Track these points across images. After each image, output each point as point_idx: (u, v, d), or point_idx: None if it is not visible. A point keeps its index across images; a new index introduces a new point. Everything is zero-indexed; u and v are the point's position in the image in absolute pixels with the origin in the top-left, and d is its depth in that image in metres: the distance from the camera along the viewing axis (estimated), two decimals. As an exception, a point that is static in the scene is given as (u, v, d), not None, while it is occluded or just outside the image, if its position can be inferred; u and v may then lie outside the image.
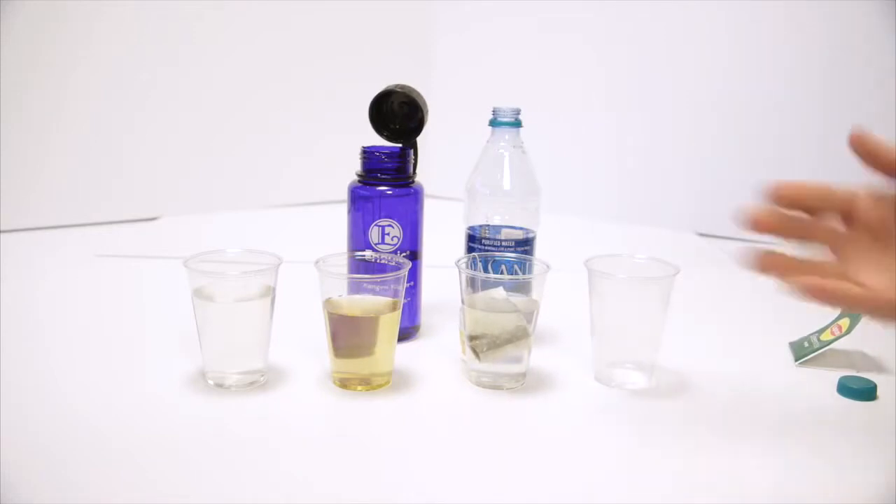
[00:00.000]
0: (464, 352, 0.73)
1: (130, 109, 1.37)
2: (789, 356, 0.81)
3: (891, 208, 0.53)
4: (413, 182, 0.81)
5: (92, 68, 1.32)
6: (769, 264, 0.53)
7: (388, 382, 0.71)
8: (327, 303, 0.70)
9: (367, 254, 0.76)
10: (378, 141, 0.82)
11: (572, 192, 1.45)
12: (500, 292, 0.70)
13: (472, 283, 0.71)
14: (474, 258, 0.77)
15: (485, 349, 0.69)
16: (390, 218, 0.78)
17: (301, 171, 1.55)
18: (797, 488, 0.57)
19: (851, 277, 0.53)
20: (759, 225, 0.52)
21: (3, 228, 1.25)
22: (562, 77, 1.51)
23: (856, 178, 0.53)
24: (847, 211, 0.54)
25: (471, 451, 0.61)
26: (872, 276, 0.52)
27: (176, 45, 1.39)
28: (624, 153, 1.49)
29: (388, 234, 0.78)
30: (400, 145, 0.81)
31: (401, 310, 0.71)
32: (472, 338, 0.70)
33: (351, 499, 0.54)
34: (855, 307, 0.55)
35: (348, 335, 0.71)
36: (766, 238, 0.53)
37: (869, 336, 0.79)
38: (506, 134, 0.82)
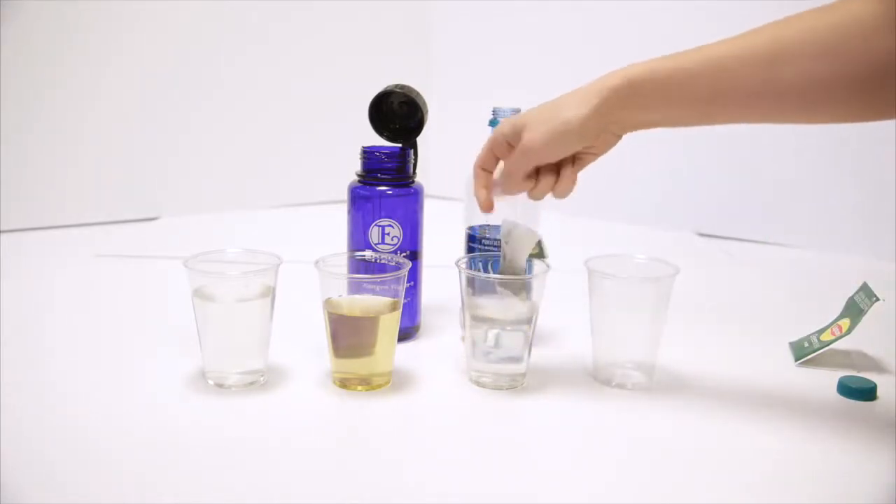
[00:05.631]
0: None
1: (131, 110, 1.37)
2: (789, 356, 0.81)
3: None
4: (413, 182, 0.81)
5: (92, 69, 1.32)
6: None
7: (388, 382, 0.71)
8: (327, 303, 0.70)
9: (367, 254, 0.76)
10: (378, 141, 0.82)
11: (573, 192, 1.45)
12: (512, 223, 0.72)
13: (472, 283, 0.71)
14: (474, 258, 0.77)
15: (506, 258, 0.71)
16: (390, 218, 0.78)
17: (301, 171, 1.55)
18: (797, 488, 0.57)
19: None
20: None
21: (3, 228, 1.25)
22: (562, 76, 1.50)
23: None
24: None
25: (471, 451, 0.62)
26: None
27: (176, 45, 1.39)
28: (624, 153, 1.49)
29: (388, 234, 0.78)
30: (400, 145, 0.81)
31: (401, 310, 0.71)
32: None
33: (351, 499, 0.54)
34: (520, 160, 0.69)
35: (348, 335, 0.71)
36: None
37: (869, 336, 0.79)
38: (506, 134, 0.82)
